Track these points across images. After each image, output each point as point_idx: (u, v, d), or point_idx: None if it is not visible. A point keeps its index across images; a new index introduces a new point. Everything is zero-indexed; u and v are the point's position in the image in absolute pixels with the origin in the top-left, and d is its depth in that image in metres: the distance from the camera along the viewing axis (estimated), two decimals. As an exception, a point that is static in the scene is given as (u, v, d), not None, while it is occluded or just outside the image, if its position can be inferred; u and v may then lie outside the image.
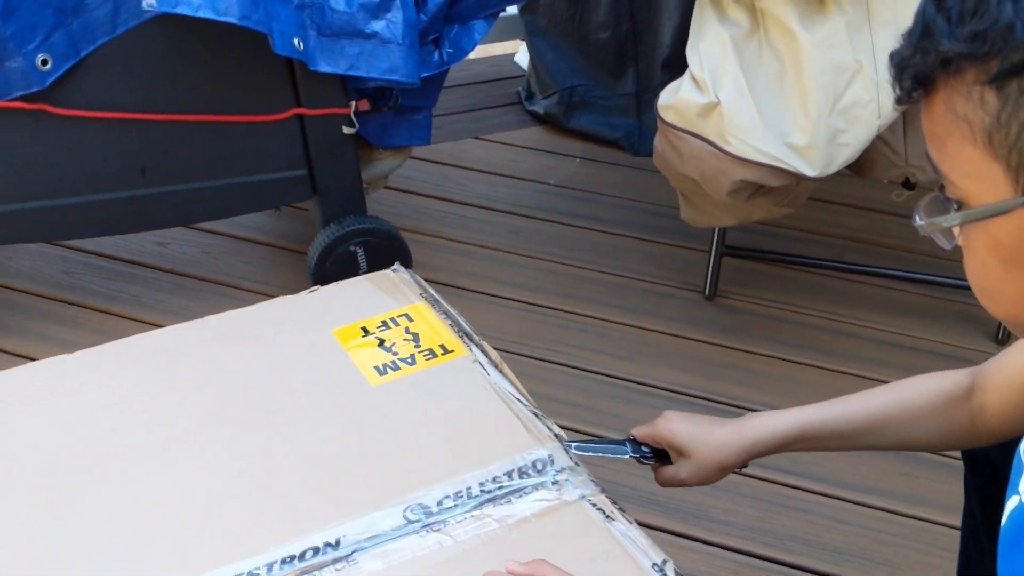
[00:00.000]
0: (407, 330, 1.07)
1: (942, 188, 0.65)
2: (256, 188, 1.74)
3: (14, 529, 0.81)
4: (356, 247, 1.80)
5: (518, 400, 0.97)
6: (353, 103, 1.73)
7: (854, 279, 2.04)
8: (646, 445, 1.07)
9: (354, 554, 0.79)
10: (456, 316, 1.09)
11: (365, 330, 1.06)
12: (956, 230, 0.67)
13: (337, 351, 1.02)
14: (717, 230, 1.92)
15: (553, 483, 0.87)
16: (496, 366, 1.02)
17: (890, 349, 1.86)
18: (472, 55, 3.27)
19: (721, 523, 1.46)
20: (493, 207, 2.26)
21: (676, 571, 0.80)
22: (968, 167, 0.61)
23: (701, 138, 1.57)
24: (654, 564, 0.80)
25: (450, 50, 1.81)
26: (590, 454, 1.02)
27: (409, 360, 1.02)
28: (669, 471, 1.05)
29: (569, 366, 1.79)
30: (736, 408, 1.70)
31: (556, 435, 0.94)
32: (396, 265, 1.18)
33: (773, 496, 1.52)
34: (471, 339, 1.05)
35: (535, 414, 0.96)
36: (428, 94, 1.87)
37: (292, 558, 0.78)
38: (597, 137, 2.56)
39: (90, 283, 1.96)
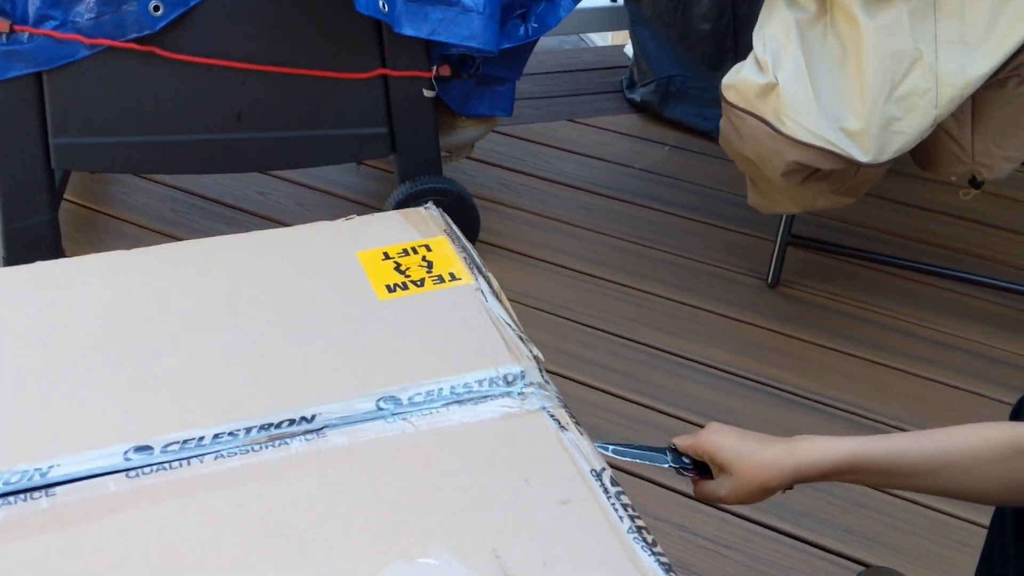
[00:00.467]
0: (424, 258, 1.15)
1: None
2: (340, 141, 1.87)
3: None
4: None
5: (508, 325, 1.04)
6: (435, 68, 1.85)
7: (917, 279, 2.04)
8: (687, 456, 1.04)
9: (324, 429, 0.89)
10: (471, 251, 1.17)
11: (386, 255, 1.16)
12: None
13: (356, 269, 1.12)
14: (784, 218, 1.94)
15: (519, 394, 0.94)
16: (496, 295, 1.09)
17: (945, 350, 1.84)
18: (582, 44, 3.38)
19: (737, 493, 1.49)
20: (572, 184, 2.34)
21: (612, 481, 0.86)
22: None
23: (759, 118, 1.60)
24: (592, 470, 0.87)
25: (535, 24, 1.90)
26: (628, 460, 1.03)
27: (419, 283, 1.11)
28: (709, 486, 1.03)
29: (617, 335, 1.85)
30: (778, 391, 1.72)
31: (535, 356, 1.01)
32: (428, 204, 1.27)
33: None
34: (480, 271, 1.14)
35: (520, 338, 1.03)
36: (512, 66, 1.97)
37: (269, 425, 0.88)
38: (690, 127, 2.60)
39: (193, 221, 2.14)
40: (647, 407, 1.69)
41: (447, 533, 0.81)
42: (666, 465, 1.04)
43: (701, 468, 1.03)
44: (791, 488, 1.00)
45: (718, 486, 1.01)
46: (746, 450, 0.99)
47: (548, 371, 0.96)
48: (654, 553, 0.80)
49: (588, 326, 1.89)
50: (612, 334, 1.87)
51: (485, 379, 0.98)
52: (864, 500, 1.49)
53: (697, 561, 1.36)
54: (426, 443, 0.90)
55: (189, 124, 1.80)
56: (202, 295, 1.09)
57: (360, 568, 0.77)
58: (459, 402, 0.95)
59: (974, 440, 0.94)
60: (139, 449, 0.86)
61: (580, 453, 0.90)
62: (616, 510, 0.84)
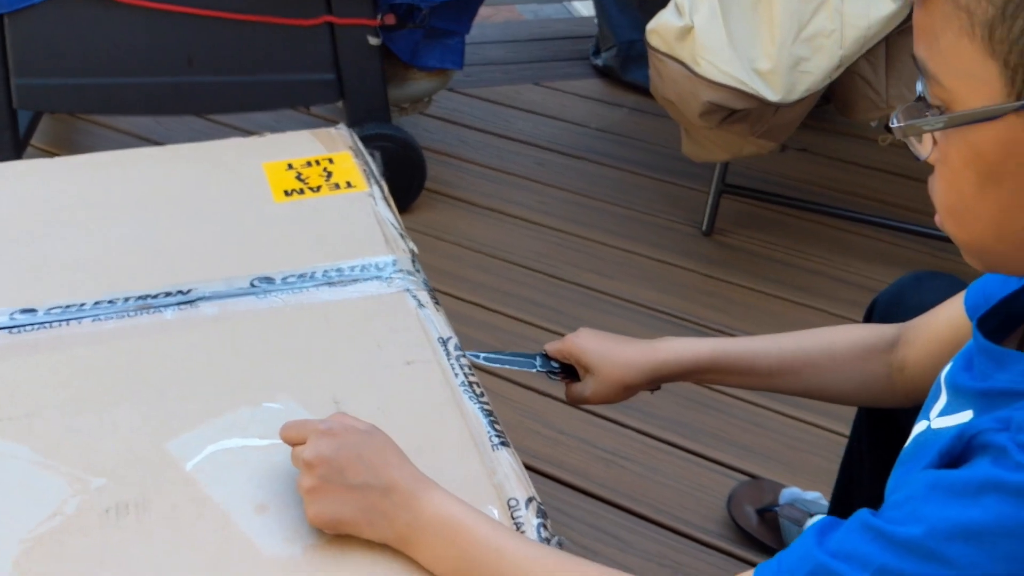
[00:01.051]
0: (325, 169, 1.23)
1: (920, 98, 0.61)
2: (289, 86, 1.95)
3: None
4: (374, 151, 1.98)
5: (391, 224, 1.12)
6: (380, 16, 1.92)
7: (846, 227, 2.10)
8: (556, 361, 1.06)
9: (198, 301, 0.96)
10: (371, 164, 1.25)
11: (290, 165, 1.23)
12: (931, 142, 0.63)
13: (259, 177, 1.20)
14: (718, 168, 2.00)
15: (387, 279, 1.02)
16: (386, 201, 1.17)
17: (869, 293, 1.88)
18: (554, 14, 3.44)
19: (642, 412, 1.55)
20: (529, 142, 2.40)
21: (456, 347, 0.93)
22: (961, 65, 0.57)
23: (677, 60, 1.67)
24: (440, 338, 0.94)
25: (478, -23, 1.97)
26: (499, 365, 1.05)
27: (315, 189, 1.18)
28: (576, 388, 1.04)
29: (555, 276, 1.92)
30: (706, 329, 1.78)
31: (411, 250, 1.08)
32: (340, 125, 1.35)
33: (702, 397, 1.60)
34: (376, 182, 1.21)
35: (401, 235, 1.10)
36: (460, 19, 2.04)
37: (147, 296, 0.96)
38: (649, 90, 2.67)
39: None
40: (566, 333, 1.75)
41: (295, 385, 0.89)
42: (534, 370, 1.06)
43: (569, 372, 1.05)
44: (657, 388, 1.04)
45: (584, 387, 1.03)
46: (608, 350, 1.01)
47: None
48: (480, 402, 0.88)
49: (527, 268, 1.96)
50: (550, 275, 1.94)
51: (357, 266, 1.06)
52: (763, 421, 1.56)
53: (595, 470, 1.42)
54: (291, 315, 0.97)
55: (142, 67, 1.88)
56: (110, 192, 1.16)
57: (210, 409, 0.85)
58: (330, 284, 1.03)
59: (831, 340, 0.99)
60: (24, 311, 0.94)
61: (433, 326, 0.97)
62: (454, 369, 0.91)
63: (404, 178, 2.03)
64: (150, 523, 0.74)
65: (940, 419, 0.70)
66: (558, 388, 1.12)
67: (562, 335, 1.05)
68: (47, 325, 0.92)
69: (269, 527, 0.74)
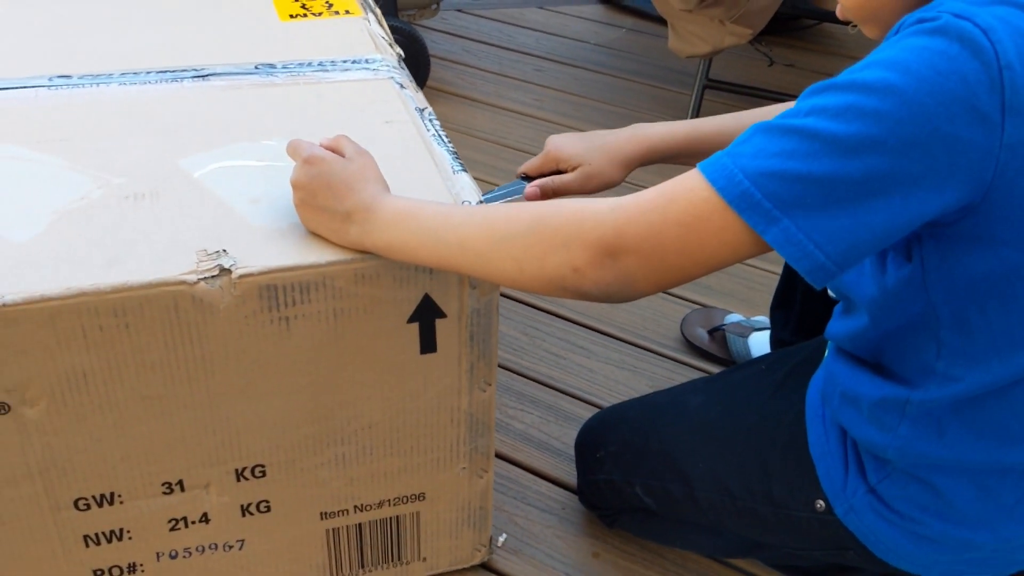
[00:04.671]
0: (327, 1, 1.37)
1: None
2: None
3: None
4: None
5: (381, 37, 1.26)
6: (389, -86, 2.06)
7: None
8: (541, 175, 1.11)
9: (209, 76, 1.11)
10: (369, 1, 1.39)
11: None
12: None
13: (267, 4, 1.34)
14: (701, 64, 2.13)
15: (374, 70, 1.16)
16: (379, 23, 1.31)
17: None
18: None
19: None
20: (529, 53, 2.54)
21: (431, 114, 1.07)
22: None
23: (659, -54, 1.80)
24: (417, 108, 1.08)
25: None
26: (495, 203, 1.13)
27: (317, 14, 1.32)
28: (567, 186, 1.08)
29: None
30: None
31: (398, 54, 1.22)
32: (345, -25, 1.49)
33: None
34: (371, 10, 1.35)
35: (389, 44, 1.24)
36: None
37: (166, 71, 1.11)
38: (648, 14, 2.80)
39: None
40: (562, 215, 1.89)
41: (288, 132, 1.03)
42: (521, 192, 1.09)
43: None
44: (644, 165, 1.10)
45: (572, 180, 1.08)
46: (593, 142, 1.08)
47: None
48: (447, 146, 1.02)
49: (521, 150, 2.09)
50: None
51: (349, 59, 1.20)
52: (730, 268, 1.68)
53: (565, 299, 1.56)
54: (288, 89, 1.12)
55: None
56: (133, 10, 1.30)
57: (215, 142, 1.00)
58: (324, 71, 1.17)
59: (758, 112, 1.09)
60: (61, 76, 1.09)
61: (412, 100, 1.11)
62: (427, 126, 1.05)
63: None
64: (161, 206, 0.88)
65: None
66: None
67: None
68: (80, 86, 1.07)
69: (260, 211, 0.89)
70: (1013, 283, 0.75)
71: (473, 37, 2.60)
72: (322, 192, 0.85)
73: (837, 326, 0.94)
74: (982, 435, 0.83)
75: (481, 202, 1.03)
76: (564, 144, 1.10)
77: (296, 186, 0.86)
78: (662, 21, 2.83)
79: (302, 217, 0.87)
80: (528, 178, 1.13)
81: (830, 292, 0.99)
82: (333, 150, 0.89)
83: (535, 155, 1.13)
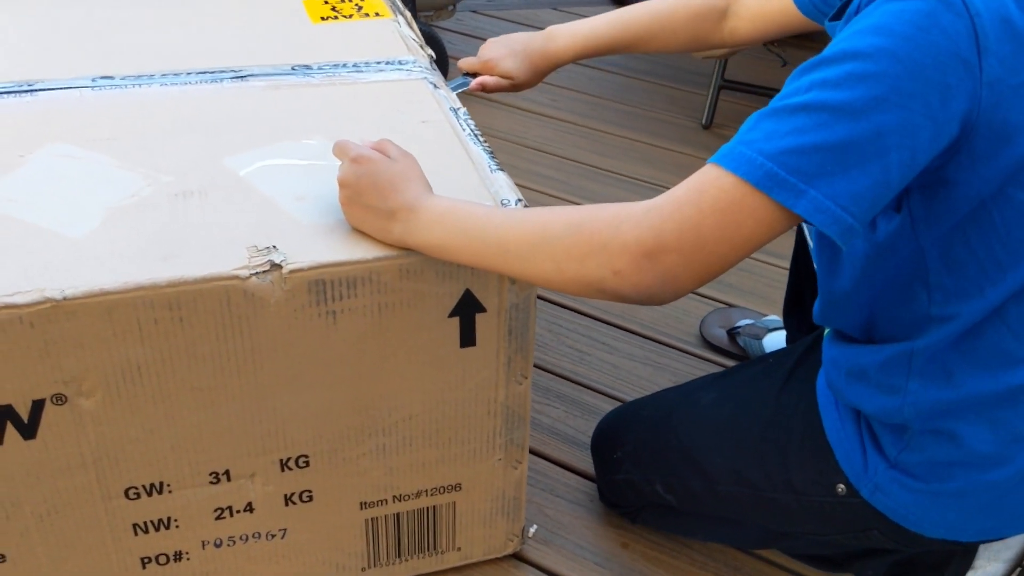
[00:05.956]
0: (357, 4, 1.40)
1: None
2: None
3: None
4: (400, 42, 2.16)
5: (412, 39, 1.28)
6: (409, -83, 2.09)
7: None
8: (477, 74, 1.25)
9: (248, 77, 1.13)
10: (398, 2, 1.41)
11: (326, 1, 1.41)
12: None
13: (297, 6, 1.37)
14: (717, 64, 2.15)
15: (408, 71, 1.18)
16: (409, 25, 1.33)
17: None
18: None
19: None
20: (545, 52, 2.57)
21: (465, 113, 1.10)
22: None
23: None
24: (452, 108, 1.11)
25: None
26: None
27: (347, 16, 1.35)
28: (505, 85, 1.24)
29: (560, 156, 2.08)
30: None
31: (429, 55, 1.25)
32: (371, -22, 1.52)
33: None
34: (401, 13, 1.38)
35: (420, 46, 1.27)
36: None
37: (206, 72, 1.13)
38: (661, 15, 2.83)
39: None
40: (574, 203, 1.90)
41: (328, 131, 1.06)
42: (467, 88, 1.25)
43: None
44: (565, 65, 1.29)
45: (506, 85, 1.24)
46: (516, 52, 1.25)
47: None
48: (483, 145, 1.04)
49: (537, 149, 2.12)
50: (557, 155, 2.10)
51: (383, 60, 1.22)
52: (745, 265, 1.71)
53: (590, 295, 1.59)
54: (325, 88, 1.14)
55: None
56: (171, 12, 1.33)
57: (258, 141, 1.02)
58: (358, 71, 1.20)
59: (673, 6, 1.21)
60: (104, 77, 1.11)
61: (446, 100, 1.14)
62: (463, 125, 1.08)
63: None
64: (210, 203, 0.91)
65: None
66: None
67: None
68: (122, 87, 1.10)
69: (306, 208, 0.91)
70: (989, 210, 0.82)
71: (487, 37, 2.62)
72: (368, 191, 0.88)
73: (826, 306, 1.00)
74: (987, 365, 0.88)
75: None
76: (495, 55, 1.25)
77: (343, 184, 0.89)
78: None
79: (348, 214, 0.89)
80: (469, 76, 1.26)
81: (815, 263, 1.04)
82: (378, 151, 0.92)
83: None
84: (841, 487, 0.98)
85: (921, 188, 0.81)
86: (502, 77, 1.24)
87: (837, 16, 0.92)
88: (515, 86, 1.25)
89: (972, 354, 0.88)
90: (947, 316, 0.87)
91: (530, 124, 2.21)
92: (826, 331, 1.03)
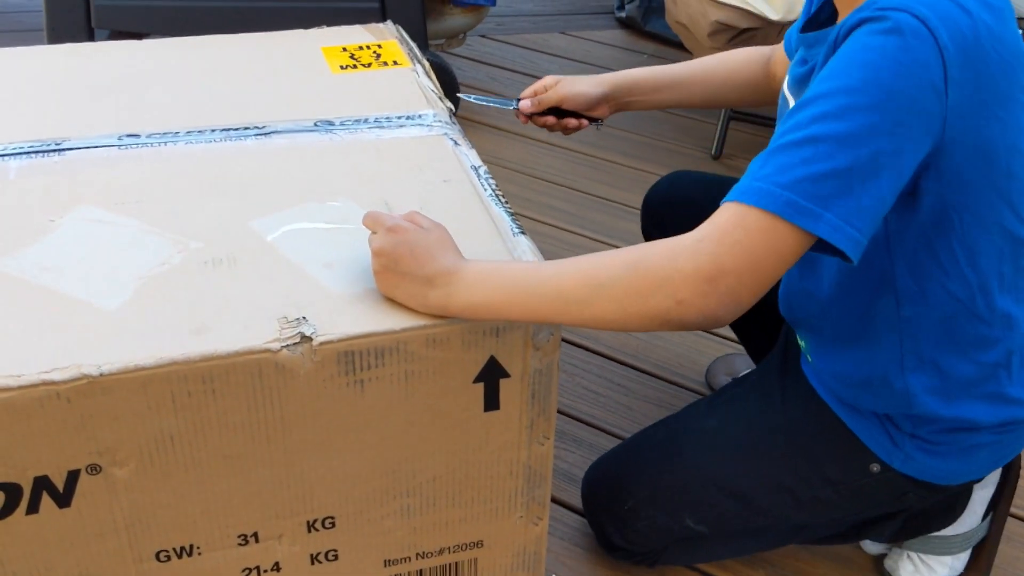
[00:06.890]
0: (375, 52, 1.41)
1: None
2: (339, 12, 2.14)
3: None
4: (412, 72, 2.18)
5: (431, 90, 1.30)
6: (420, -50, 2.11)
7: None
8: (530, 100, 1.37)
9: (271, 134, 1.15)
10: (416, 50, 1.43)
11: (345, 48, 1.42)
12: None
13: (317, 55, 1.38)
14: (727, 96, 2.17)
15: (428, 126, 1.20)
16: (427, 75, 1.35)
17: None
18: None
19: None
20: (554, 79, 2.58)
21: (486, 172, 1.11)
22: None
23: (689, -14, 1.85)
24: (473, 166, 1.12)
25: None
26: (484, 103, 1.40)
27: (367, 65, 1.37)
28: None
29: (572, 188, 2.10)
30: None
31: (448, 108, 1.26)
32: (388, 21, 1.53)
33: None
34: (418, 61, 1.39)
35: (440, 97, 1.28)
36: (494, -42, 2.22)
37: (229, 129, 1.15)
38: (670, 40, 2.84)
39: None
40: (585, 236, 1.93)
41: (352, 192, 1.08)
42: (512, 107, 1.35)
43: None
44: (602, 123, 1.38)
45: (581, 91, 1.33)
46: (572, 79, 1.34)
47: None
48: (504, 206, 1.06)
49: (549, 181, 2.14)
50: (568, 187, 2.12)
51: (404, 115, 1.24)
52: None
53: (604, 336, 1.60)
54: (347, 146, 1.16)
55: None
56: (192, 64, 1.36)
57: (283, 204, 1.04)
58: (380, 127, 1.21)
59: (724, 56, 1.33)
60: (129, 136, 1.13)
61: (467, 158, 1.16)
62: (484, 185, 1.09)
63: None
64: (239, 271, 0.93)
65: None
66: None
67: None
68: (148, 145, 1.11)
69: (335, 275, 0.93)
70: (950, 216, 0.94)
71: (498, 64, 2.65)
72: (405, 258, 0.90)
73: (797, 306, 1.12)
74: (966, 351, 1.02)
75: (475, 98, 1.40)
76: (564, 78, 1.35)
77: (379, 253, 0.90)
78: (684, 47, 2.88)
79: (381, 282, 0.91)
80: (519, 101, 1.37)
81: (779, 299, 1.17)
82: (410, 222, 0.94)
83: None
84: (875, 466, 1.10)
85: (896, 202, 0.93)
86: (576, 95, 1.32)
87: (807, 28, 1.06)
88: (587, 102, 1.32)
89: (951, 344, 1.02)
90: (917, 316, 1.00)
91: (540, 155, 2.22)
92: (802, 344, 1.15)
